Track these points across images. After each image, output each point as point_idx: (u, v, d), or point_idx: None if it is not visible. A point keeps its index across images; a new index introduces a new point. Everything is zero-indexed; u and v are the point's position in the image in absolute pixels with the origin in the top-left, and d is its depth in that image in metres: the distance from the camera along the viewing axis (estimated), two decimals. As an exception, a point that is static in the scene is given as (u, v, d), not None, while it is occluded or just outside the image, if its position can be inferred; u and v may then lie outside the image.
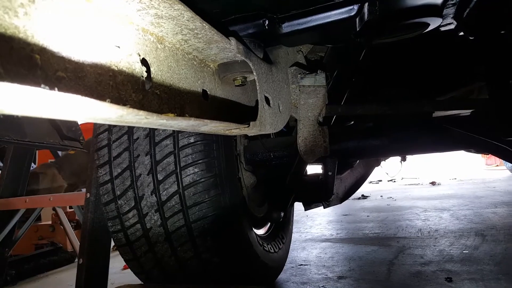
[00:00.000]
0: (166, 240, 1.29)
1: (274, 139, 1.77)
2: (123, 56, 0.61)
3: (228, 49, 0.76)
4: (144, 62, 0.67)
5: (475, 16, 0.88)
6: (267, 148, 1.71)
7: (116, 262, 2.26)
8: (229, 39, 0.74)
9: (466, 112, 1.55)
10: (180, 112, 0.66)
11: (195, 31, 0.71)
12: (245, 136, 1.78)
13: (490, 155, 7.83)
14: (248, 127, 0.81)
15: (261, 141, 1.73)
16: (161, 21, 0.67)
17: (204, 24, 0.69)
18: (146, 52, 0.67)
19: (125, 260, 1.43)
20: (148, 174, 1.26)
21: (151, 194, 1.26)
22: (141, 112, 0.46)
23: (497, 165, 8.10)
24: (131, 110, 0.45)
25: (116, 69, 0.59)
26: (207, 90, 0.84)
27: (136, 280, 1.47)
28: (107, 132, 1.37)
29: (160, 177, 1.23)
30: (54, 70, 0.46)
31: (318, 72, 1.16)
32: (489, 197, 3.92)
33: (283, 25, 0.83)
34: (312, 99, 1.16)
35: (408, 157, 4.22)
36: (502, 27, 0.88)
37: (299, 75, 1.17)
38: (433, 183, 5.94)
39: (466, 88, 1.63)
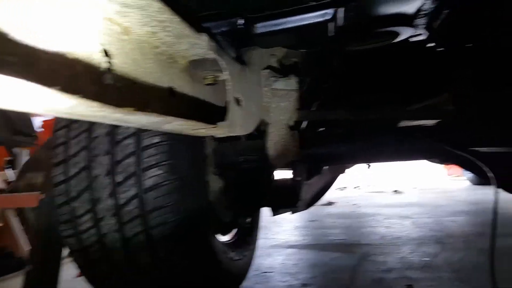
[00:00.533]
0: (123, 246, 1.21)
1: (244, 142, 1.73)
2: (83, 45, 0.55)
3: (199, 45, 0.72)
4: (106, 53, 0.61)
5: (446, 27, 0.89)
6: (236, 151, 1.66)
7: (70, 269, 2.13)
8: (200, 35, 0.69)
9: (432, 122, 1.58)
10: (143, 109, 0.61)
11: (164, 23, 0.66)
12: (214, 138, 1.72)
13: (451, 165, 8.15)
14: (215, 127, 0.76)
15: (231, 144, 1.68)
16: (128, 10, 0.61)
17: (174, 17, 0.64)
18: (110, 42, 0.61)
19: (78, 267, 1.34)
20: (106, 175, 1.18)
21: (109, 197, 1.18)
22: (95, 104, 0.41)
23: (458, 176, 8.43)
24: (83, 100, 0.39)
25: (74, 58, 0.53)
26: (175, 87, 0.79)
27: (90, 288, 1.38)
28: (65, 129, 1.28)
29: (119, 179, 1.16)
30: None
31: (291, 76, 1.13)
32: (449, 206, 4.06)
33: (257, 25, 0.80)
34: (284, 102, 1.13)
35: (373, 165, 4.29)
36: (470, 40, 0.89)
37: (272, 78, 1.13)
38: (396, 191, 6.09)
39: (437, 98, 1.66)
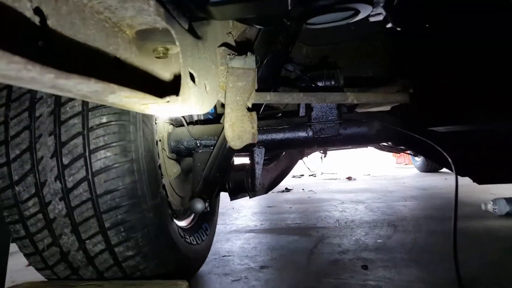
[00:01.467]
0: (72, 232, 1.15)
1: (201, 126, 1.69)
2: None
3: (146, 11, 0.67)
4: (38, 12, 0.55)
5: (404, 6, 0.89)
6: (193, 135, 1.62)
7: (22, 258, 2.01)
8: None
9: (388, 107, 1.61)
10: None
11: (106, -16, 0.60)
12: (170, 122, 1.67)
13: (400, 154, 8.51)
14: (168, 103, 0.72)
15: (187, 127, 1.63)
16: (64, -34, 0.56)
17: (118, -23, 0.59)
18: (42, 1, 0.55)
19: (24, 255, 1.26)
20: (51, 157, 1.10)
21: (55, 180, 1.10)
22: (17, 59, 0.36)
23: (406, 164, 8.82)
24: (5, 54, 0.34)
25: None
26: (121, 58, 0.74)
27: (41, 278, 1.30)
28: (4, 108, 1.18)
29: (65, 161, 1.08)
30: None
31: (248, 54, 1.10)
32: (400, 191, 4.23)
33: (211, -7, 0.76)
34: (242, 82, 1.10)
35: (328, 153, 4.40)
36: (428, 21, 0.90)
37: (228, 56, 1.10)
38: (349, 178, 6.27)
39: (397, 83, 1.70)
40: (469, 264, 1.57)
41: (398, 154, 8.81)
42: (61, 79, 0.44)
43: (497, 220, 2.46)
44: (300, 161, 3.14)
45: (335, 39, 1.79)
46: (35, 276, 1.33)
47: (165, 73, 0.88)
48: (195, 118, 1.91)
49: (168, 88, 0.90)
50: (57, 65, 0.54)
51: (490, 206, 2.62)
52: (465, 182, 1.49)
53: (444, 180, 4.99)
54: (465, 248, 1.78)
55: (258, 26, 1.22)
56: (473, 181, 1.55)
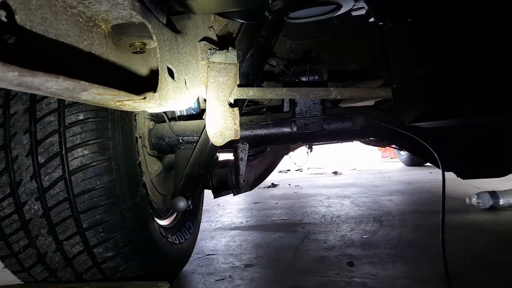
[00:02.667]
0: (49, 232, 1.11)
1: (184, 122, 1.66)
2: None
3: (121, 5, 0.64)
4: (5, 6, 0.52)
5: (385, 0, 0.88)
6: (175, 132, 1.59)
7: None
8: (122, -8, 0.62)
9: (372, 102, 1.61)
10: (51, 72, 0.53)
11: (77, -25, 0.57)
12: (151, 118, 1.63)
13: (385, 148, 8.59)
14: (144, 99, 0.69)
15: (169, 124, 1.60)
16: (30, -43, 0.53)
17: (89, -31, 0.56)
18: (9, -6, 0.52)
19: (0, 258, 1.22)
20: (27, 156, 1.06)
21: (31, 180, 1.06)
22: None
23: (392, 158, 8.90)
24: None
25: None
26: (96, 54, 0.71)
27: (17, 280, 1.26)
28: (-24, 106, 1.13)
29: (41, 159, 1.05)
30: None
31: (230, 49, 1.08)
32: (385, 186, 4.26)
33: (189, -14, 0.73)
34: (223, 77, 1.07)
35: (314, 148, 4.41)
36: (410, 14, 0.89)
37: (209, 51, 1.07)
38: (335, 173, 6.30)
39: (381, 77, 1.70)
40: (454, 259, 1.58)
41: (383, 148, 8.89)
42: (26, 77, 0.42)
43: (481, 213, 2.50)
44: (286, 156, 3.13)
45: (319, 33, 1.78)
46: (12, 278, 1.29)
47: (143, 69, 0.85)
48: (178, 114, 1.87)
49: (146, 83, 0.88)
50: (23, 63, 0.51)
51: (474, 200, 2.66)
52: (450, 176, 1.50)
53: (429, 174, 5.05)
54: (450, 242, 1.79)
55: (240, 21, 1.20)
56: (457, 176, 1.56)
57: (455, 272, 1.43)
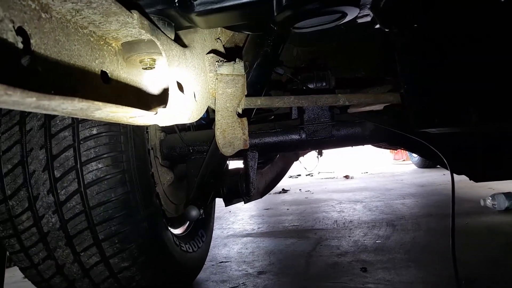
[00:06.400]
0: (67, 244, 1.14)
1: (194, 132, 1.68)
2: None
3: (130, 24, 0.66)
4: (21, 31, 0.55)
5: (391, 7, 0.89)
6: (186, 142, 1.61)
7: (18, 271, 2.00)
8: (131, 12, 0.64)
9: (381, 107, 1.61)
10: (67, 94, 0.55)
11: (89, -1, 0.60)
12: (162, 129, 1.66)
13: (397, 150, 8.52)
14: (156, 115, 0.71)
15: (179, 134, 1.63)
16: (44, -17, 0.55)
17: (100, -8, 0.58)
18: (25, 20, 0.54)
19: (20, 269, 1.25)
20: (43, 171, 1.09)
21: (48, 194, 1.09)
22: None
23: (404, 160, 8.82)
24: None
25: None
26: (107, 72, 0.73)
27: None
28: (-6, 123, 1.17)
29: (57, 174, 1.08)
30: None
31: (237, 60, 1.10)
32: (398, 189, 4.23)
33: (195, 3, 0.75)
34: (231, 88, 1.09)
35: (324, 152, 4.40)
36: (415, 21, 0.89)
37: (216, 63, 1.09)
38: (346, 177, 6.27)
39: (390, 82, 1.70)
40: (468, 262, 1.57)
41: (395, 151, 8.81)
42: (44, 100, 0.44)
43: (496, 215, 2.46)
44: (296, 161, 3.13)
45: (326, 40, 1.79)
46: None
47: (153, 84, 0.87)
48: (188, 124, 1.90)
49: (156, 98, 0.90)
50: (39, 87, 0.53)
51: (489, 202, 2.61)
52: (463, 177, 1.48)
53: (442, 176, 5.00)
54: (464, 245, 1.78)
55: (246, 32, 1.22)
56: (470, 179, 1.55)
57: (470, 277, 1.42)
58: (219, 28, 1.25)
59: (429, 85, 0.84)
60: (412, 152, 5.83)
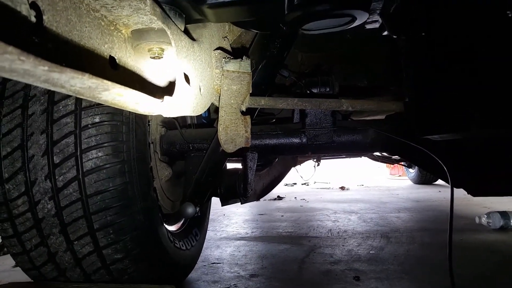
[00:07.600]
0: (61, 232, 1.13)
1: (194, 130, 1.69)
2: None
3: (142, 10, 0.66)
4: (34, 6, 0.55)
5: (400, 13, 0.89)
6: (186, 139, 1.61)
7: (9, 259, 1.98)
8: (144, -2, 0.64)
9: (383, 116, 1.61)
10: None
11: (103, -19, 0.60)
12: (163, 124, 1.66)
13: (394, 165, 8.52)
14: (162, 102, 0.71)
15: (180, 130, 1.62)
16: (60, -38, 0.56)
17: (114, -25, 0.59)
18: (38, -5, 0.55)
19: (12, 255, 1.24)
20: (42, 156, 1.09)
21: (45, 179, 1.09)
22: (11, 49, 0.35)
23: (400, 175, 8.81)
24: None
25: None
26: (115, 58, 0.73)
27: (27, 279, 1.28)
28: (-5, 106, 1.16)
29: (56, 159, 1.07)
30: None
31: (244, 58, 1.10)
32: (393, 203, 4.23)
33: (207, -5, 0.76)
34: (236, 85, 1.09)
35: (321, 163, 4.40)
36: (424, 28, 0.90)
37: (223, 59, 1.09)
38: (342, 188, 6.27)
39: (393, 91, 1.71)
40: (462, 278, 1.56)
41: (392, 166, 8.82)
42: (54, 72, 0.44)
43: (491, 233, 2.46)
44: (293, 169, 3.13)
45: (330, 46, 1.80)
46: (22, 277, 1.31)
47: (159, 76, 0.87)
48: (189, 122, 1.90)
49: (160, 90, 0.90)
50: (50, 59, 0.53)
51: (484, 220, 2.62)
52: (459, 195, 1.48)
53: (438, 193, 5.00)
54: (458, 261, 1.77)
55: (254, 30, 1.22)
56: (468, 193, 1.55)
57: (464, 290, 1.42)
58: (227, 27, 1.25)
59: (434, 91, 0.85)
60: (412, 163, 5.83)
